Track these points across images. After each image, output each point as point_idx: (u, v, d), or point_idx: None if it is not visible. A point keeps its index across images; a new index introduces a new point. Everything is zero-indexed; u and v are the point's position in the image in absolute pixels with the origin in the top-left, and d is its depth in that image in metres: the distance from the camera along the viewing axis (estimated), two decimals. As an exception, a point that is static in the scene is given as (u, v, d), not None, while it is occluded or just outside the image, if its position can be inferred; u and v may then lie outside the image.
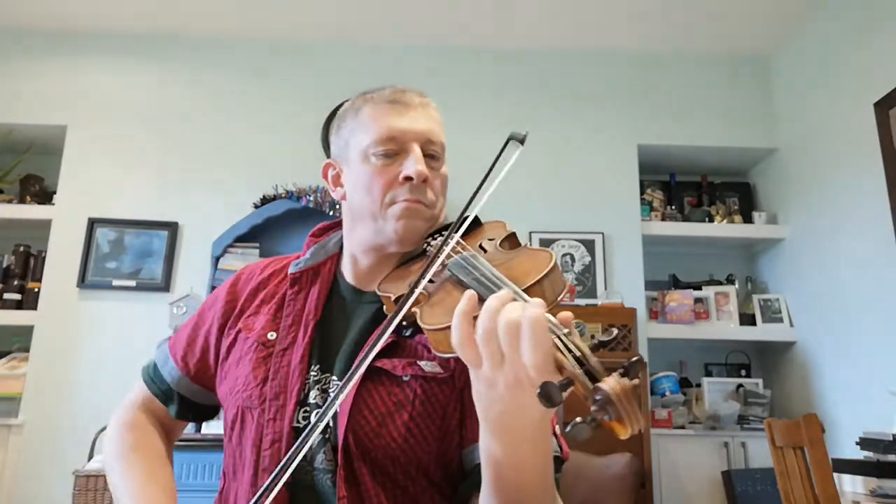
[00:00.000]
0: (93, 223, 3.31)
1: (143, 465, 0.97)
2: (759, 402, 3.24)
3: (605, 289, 3.34)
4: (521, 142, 0.86)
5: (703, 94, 3.67)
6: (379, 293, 0.89)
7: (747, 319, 3.42)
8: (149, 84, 3.57)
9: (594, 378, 0.56)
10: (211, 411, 1.08)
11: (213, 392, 1.02)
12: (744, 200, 3.75)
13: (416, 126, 0.92)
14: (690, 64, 3.71)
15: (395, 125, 0.92)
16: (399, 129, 0.92)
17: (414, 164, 0.90)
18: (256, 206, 3.28)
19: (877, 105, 2.80)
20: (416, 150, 0.91)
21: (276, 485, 0.71)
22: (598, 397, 0.53)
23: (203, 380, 1.04)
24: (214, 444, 2.54)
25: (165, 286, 3.25)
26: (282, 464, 0.72)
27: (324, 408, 0.72)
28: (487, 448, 0.71)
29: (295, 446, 0.71)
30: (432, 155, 0.94)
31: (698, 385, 3.40)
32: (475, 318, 0.64)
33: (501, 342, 0.61)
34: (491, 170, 0.83)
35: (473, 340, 0.63)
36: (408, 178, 0.90)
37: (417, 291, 0.76)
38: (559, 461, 0.84)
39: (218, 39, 3.63)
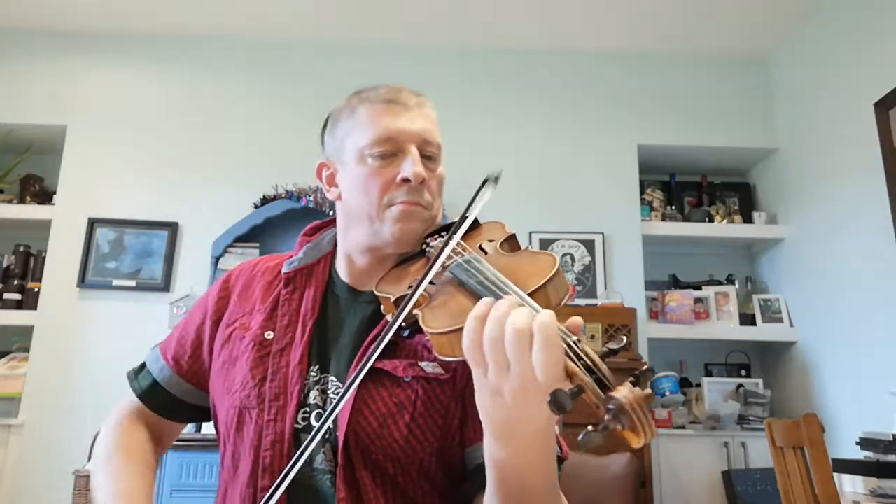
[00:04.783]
0: (93, 223, 3.30)
1: (124, 465, 0.95)
2: (759, 402, 3.24)
3: (605, 289, 3.34)
4: (496, 181, 0.85)
5: (703, 94, 3.67)
6: (377, 293, 0.88)
7: (747, 319, 3.42)
8: (149, 84, 3.57)
9: (605, 386, 0.56)
10: (201, 413, 1.06)
11: (205, 391, 1.01)
12: (744, 200, 3.75)
13: (413, 127, 0.91)
14: (690, 64, 3.71)
15: (392, 126, 0.90)
16: (396, 130, 0.90)
17: (411, 166, 0.88)
18: (256, 206, 3.28)
19: (877, 105, 2.80)
20: (414, 151, 0.90)
21: (275, 494, 0.71)
22: (611, 406, 0.53)
23: (196, 378, 1.02)
24: (214, 444, 2.54)
25: (165, 286, 3.25)
26: (283, 474, 0.70)
27: (326, 414, 0.71)
28: (492, 453, 0.70)
29: (297, 456, 0.70)
30: (429, 156, 0.93)
31: (698, 385, 3.39)
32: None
33: (508, 349, 0.60)
34: (469, 207, 0.83)
35: (482, 345, 0.62)
36: (405, 180, 0.89)
37: (418, 293, 0.76)
38: (559, 461, 0.84)
39: (217, 39, 3.63)
